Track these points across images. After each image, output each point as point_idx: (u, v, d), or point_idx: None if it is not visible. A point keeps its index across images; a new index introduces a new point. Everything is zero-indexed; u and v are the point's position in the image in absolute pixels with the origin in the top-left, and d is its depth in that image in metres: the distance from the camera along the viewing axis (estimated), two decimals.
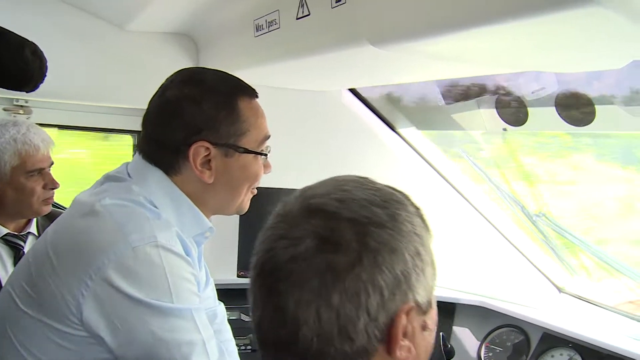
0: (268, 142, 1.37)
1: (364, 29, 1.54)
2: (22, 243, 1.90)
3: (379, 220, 0.73)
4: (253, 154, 1.30)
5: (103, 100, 2.46)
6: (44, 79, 0.65)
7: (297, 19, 1.81)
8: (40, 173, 1.87)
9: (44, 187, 1.87)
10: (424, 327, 0.77)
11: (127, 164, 1.33)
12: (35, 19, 2.27)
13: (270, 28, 1.97)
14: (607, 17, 1.07)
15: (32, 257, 1.22)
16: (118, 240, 1.13)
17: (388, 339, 0.72)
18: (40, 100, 2.39)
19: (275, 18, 1.93)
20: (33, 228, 1.95)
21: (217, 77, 1.35)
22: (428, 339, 0.79)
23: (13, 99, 2.36)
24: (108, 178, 1.31)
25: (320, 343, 0.71)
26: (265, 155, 1.34)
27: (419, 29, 1.39)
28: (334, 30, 1.66)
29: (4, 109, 2.35)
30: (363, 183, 0.78)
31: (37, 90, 2.30)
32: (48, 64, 2.21)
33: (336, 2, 1.61)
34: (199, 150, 1.25)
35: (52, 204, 1.95)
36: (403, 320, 0.73)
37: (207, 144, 1.25)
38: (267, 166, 1.37)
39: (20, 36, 0.65)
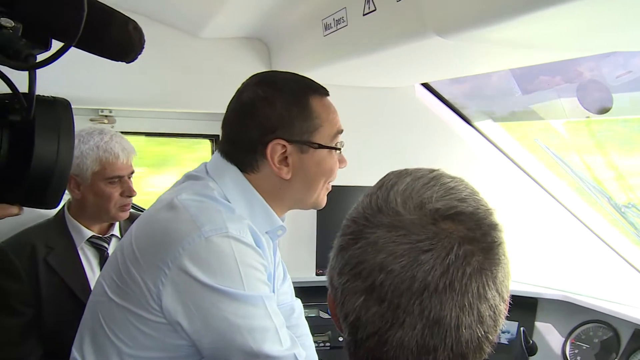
0: (342, 138, 1.40)
1: (429, 20, 1.52)
2: (105, 245, 2.00)
3: (492, 208, 0.75)
4: (327, 149, 1.34)
5: (181, 107, 2.55)
6: (142, 51, 0.73)
7: (364, 15, 1.81)
8: (120, 181, 1.96)
9: (122, 194, 1.96)
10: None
11: (205, 163, 1.40)
12: None
13: (339, 26, 1.98)
14: None
15: (119, 250, 1.31)
16: (192, 231, 1.19)
17: None
18: (122, 110, 2.50)
19: (343, 16, 1.94)
20: (116, 231, 2.05)
21: (288, 78, 1.40)
22: None
23: (98, 109, 2.49)
24: (188, 177, 1.39)
25: (480, 340, 0.72)
26: (339, 149, 1.37)
27: (483, 16, 1.36)
28: (400, 23, 1.66)
29: (90, 119, 2.47)
30: (452, 177, 0.78)
31: (120, 100, 2.43)
32: (130, 75, 2.34)
33: None
34: (276, 148, 1.31)
35: (133, 207, 2.04)
36: None
37: (283, 142, 1.31)
38: (342, 161, 1.41)
39: (124, 14, 0.73)
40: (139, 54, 0.74)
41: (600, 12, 1.27)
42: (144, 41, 0.73)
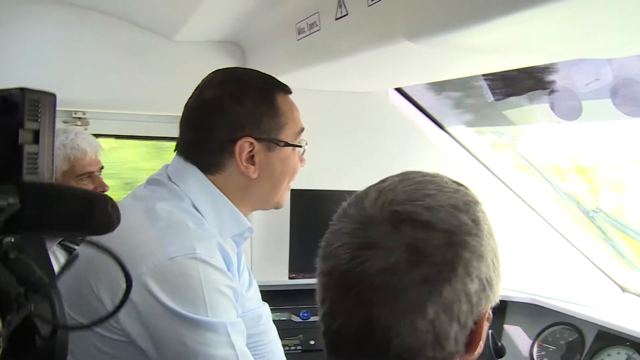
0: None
1: (398, 25, 1.54)
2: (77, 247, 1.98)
3: (467, 228, 0.72)
4: (291, 147, 1.33)
5: (155, 110, 2.54)
6: (119, 223, 0.74)
7: (336, 19, 1.82)
8: (90, 177, 1.95)
9: (94, 190, 1.95)
10: (489, 319, 0.77)
11: (167, 166, 1.35)
12: (88, 34, 2.37)
13: (312, 30, 1.99)
14: None
15: (78, 260, 1.26)
16: (157, 250, 1.14)
17: (472, 340, 0.73)
18: (96, 112, 2.49)
19: (316, 20, 1.95)
20: None
21: (254, 75, 1.39)
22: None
23: (72, 111, 2.47)
24: (150, 182, 1.34)
25: (412, 352, 0.71)
26: (300, 146, 1.35)
27: (452, 21, 1.38)
28: (371, 28, 1.67)
29: (64, 122, 2.45)
30: (440, 184, 0.77)
31: (94, 102, 2.42)
32: (104, 77, 2.34)
33: (372, 0, 1.61)
34: (244, 145, 1.27)
35: None
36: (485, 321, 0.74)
37: (251, 139, 1.27)
38: (302, 160, 1.39)
39: (102, 194, 0.75)
40: (117, 226, 0.75)
41: (567, 19, 1.29)
42: (120, 215, 0.74)
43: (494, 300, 0.76)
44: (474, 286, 0.71)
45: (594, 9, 1.22)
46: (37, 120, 0.70)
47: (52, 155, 0.71)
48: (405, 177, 0.78)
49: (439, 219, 0.71)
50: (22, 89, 0.69)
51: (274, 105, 1.30)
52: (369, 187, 0.79)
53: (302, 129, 1.36)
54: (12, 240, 0.69)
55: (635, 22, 1.32)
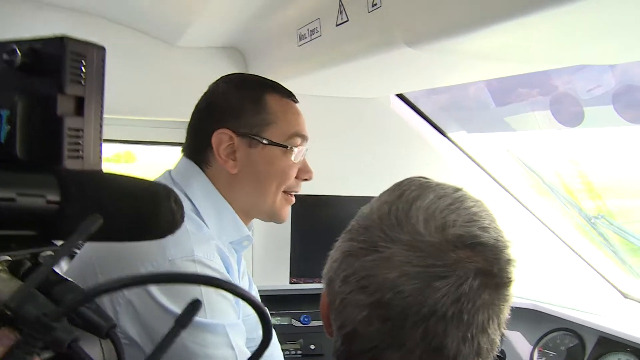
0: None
1: (399, 31, 1.54)
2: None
3: (509, 242, 0.75)
4: (280, 149, 1.32)
5: (157, 115, 2.55)
6: (183, 222, 0.58)
7: (337, 25, 1.82)
8: None
9: None
10: None
11: (169, 170, 1.38)
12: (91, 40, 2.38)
13: (313, 37, 1.99)
14: None
15: (78, 261, 1.26)
16: (156, 252, 1.16)
17: None
18: None
19: (317, 26, 1.96)
20: None
21: (250, 77, 1.43)
22: None
23: None
24: None
25: None
26: (286, 147, 1.34)
27: (451, 27, 1.38)
28: (371, 34, 1.67)
29: None
30: (476, 200, 0.78)
31: None
32: (107, 83, 2.34)
33: (372, 6, 1.62)
34: (221, 137, 1.30)
35: None
36: None
37: (230, 132, 1.30)
38: (304, 171, 1.39)
39: (165, 186, 0.58)
40: (180, 226, 0.60)
41: (568, 24, 1.29)
42: (184, 213, 0.59)
43: None
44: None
45: (595, 15, 1.22)
46: (81, 83, 0.52)
47: (101, 131, 0.53)
48: (435, 193, 0.76)
49: (494, 238, 0.73)
50: (62, 38, 0.51)
51: (260, 102, 1.32)
52: (402, 204, 0.74)
53: (300, 134, 1.36)
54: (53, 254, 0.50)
55: (637, 27, 1.32)
